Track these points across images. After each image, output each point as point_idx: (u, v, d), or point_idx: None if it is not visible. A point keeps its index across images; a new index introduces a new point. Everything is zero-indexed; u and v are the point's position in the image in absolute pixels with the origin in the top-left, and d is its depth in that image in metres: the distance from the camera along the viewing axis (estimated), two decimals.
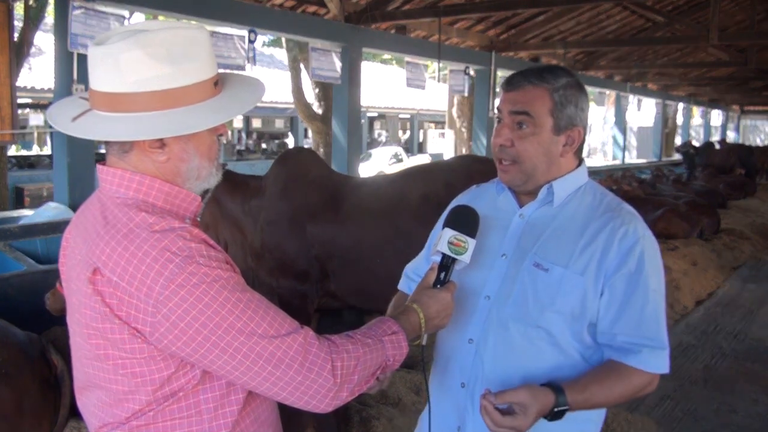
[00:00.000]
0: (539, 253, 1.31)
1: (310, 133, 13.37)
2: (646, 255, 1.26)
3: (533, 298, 1.28)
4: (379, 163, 17.81)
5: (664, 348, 1.27)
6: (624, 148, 17.65)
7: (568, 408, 1.20)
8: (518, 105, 1.32)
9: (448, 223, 1.30)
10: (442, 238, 1.29)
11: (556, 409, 1.19)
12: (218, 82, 1.14)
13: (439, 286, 1.28)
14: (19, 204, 10.40)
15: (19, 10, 6.93)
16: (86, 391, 1.13)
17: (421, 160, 18.48)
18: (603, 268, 1.26)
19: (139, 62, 1.04)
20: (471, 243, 1.28)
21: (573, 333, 1.28)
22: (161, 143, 1.09)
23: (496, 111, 1.38)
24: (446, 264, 1.28)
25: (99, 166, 1.13)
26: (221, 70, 1.19)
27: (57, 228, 4.37)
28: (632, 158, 22.28)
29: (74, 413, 2.62)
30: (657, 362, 1.26)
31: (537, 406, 1.17)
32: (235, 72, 1.32)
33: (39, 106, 16.25)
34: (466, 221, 1.30)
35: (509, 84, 1.35)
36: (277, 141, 21.31)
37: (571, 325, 1.27)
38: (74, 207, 4.99)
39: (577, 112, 1.33)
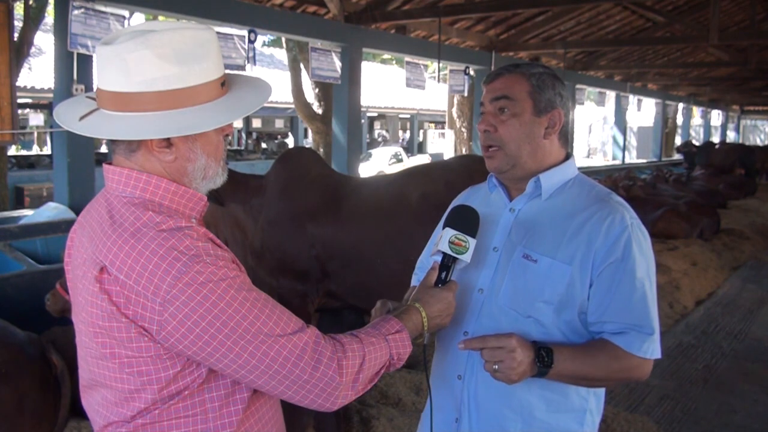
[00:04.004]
0: (528, 245, 1.33)
1: (310, 133, 13.38)
2: (633, 243, 1.27)
3: (523, 288, 1.31)
4: (379, 163, 17.81)
5: (651, 333, 1.27)
6: (624, 148, 17.66)
7: (552, 349, 1.23)
8: (498, 91, 1.37)
9: (449, 223, 1.32)
10: (442, 238, 1.30)
11: (539, 347, 1.22)
12: (225, 83, 1.14)
13: (440, 285, 1.29)
14: (19, 204, 10.41)
15: (19, 10, 6.93)
16: (91, 389, 1.14)
17: (421, 160, 18.48)
18: (590, 257, 1.27)
19: (147, 62, 1.05)
20: (472, 242, 1.29)
21: (565, 323, 1.29)
22: (168, 143, 1.09)
23: (480, 107, 1.42)
24: (447, 263, 1.30)
25: (105, 166, 1.13)
26: (228, 71, 1.19)
27: (57, 228, 4.37)
28: (632, 158, 22.29)
29: (74, 413, 2.62)
30: (644, 346, 1.26)
31: (518, 345, 1.21)
32: (242, 73, 1.33)
33: (39, 106, 16.26)
34: (466, 221, 1.32)
35: (488, 77, 1.42)
36: (277, 141, 21.31)
37: (561, 314, 1.29)
38: (74, 207, 4.99)
39: (555, 96, 1.37)
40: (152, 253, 1.01)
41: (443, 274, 1.29)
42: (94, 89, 1.14)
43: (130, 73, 1.05)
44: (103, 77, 1.08)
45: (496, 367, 1.20)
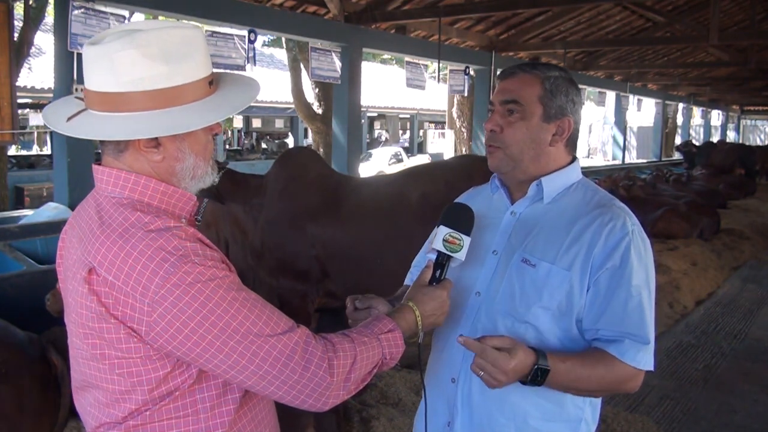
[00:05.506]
0: (528, 249, 1.31)
1: (310, 133, 13.38)
2: (633, 250, 1.25)
3: (520, 293, 1.29)
4: (379, 163, 17.82)
5: (646, 343, 1.25)
6: (624, 148, 17.66)
7: (549, 370, 1.19)
8: (508, 94, 1.34)
9: (443, 221, 1.30)
10: (437, 236, 1.28)
11: (536, 366, 1.18)
12: (213, 82, 1.14)
13: (434, 283, 1.28)
14: (19, 204, 10.40)
15: (19, 10, 6.93)
16: (83, 391, 1.14)
17: (421, 160, 18.48)
18: (589, 263, 1.26)
19: (134, 62, 1.04)
20: (466, 240, 1.28)
21: (561, 329, 1.28)
22: (156, 143, 1.09)
23: (489, 105, 1.40)
24: (441, 262, 1.28)
25: (94, 166, 1.13)
26: (220, 70, 1.19)
27: (57, 228, 4.36)
28: (632, 158, 22.28)
29: (74, 413, 2.62)
30: (639, 356, 1.24)
31: (520, 354, 1.17)
32: (231, 71, 1.32)
33: (39, 106, 16.24)
34: (461, 219, 1.30)
35: (503, 73, 1.38)
36: (277, 141, 21.31)
37: (559, 321, 1.27)
38: (74, 207, 4.96)
39: (567, 103, 1.34)
40: (140, 253, 1.00)
41: (437, 273, 1.28)
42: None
43: (116, 72, 1.05)
44: (90, 77, 1.08)
45: (482, 373, 1.18)
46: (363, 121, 18.81)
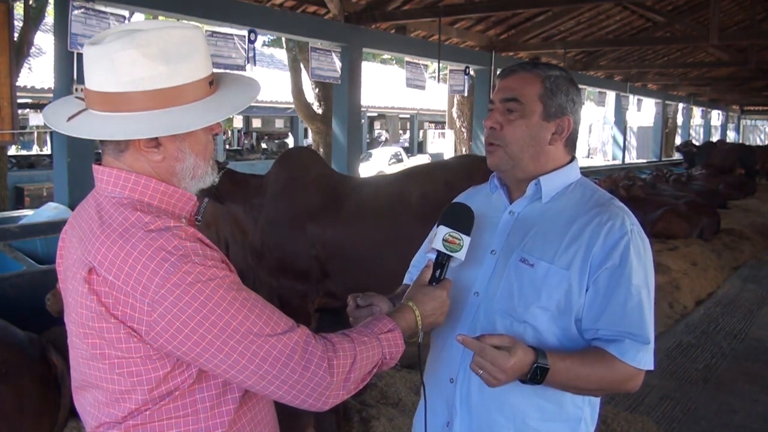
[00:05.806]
0: (526, 249, 1.31)
1: (310, 133, 13.38)
2: (632, 249, 1.25)
3: (518, 293, 1.29)
4: (379, 163, 17.83)
5: (646, 343, 1.24)
6: (624, 148, 17.66)
7: (549, 368, 1.19)
8: (508, 92, 1.34)
9: (443, 221, 1.30)
10: (437, 236, 1.28)
11: (536, 365, 1.18)
12: (213, 82, 1.14)
13: (434, 283, 1.28)
14: (19, 204, 10.41)
15: (19, 10, 6.93)
16: (83, 390, 1.14)
17: (421, 160, 18.49)
18: (588, 263, 1.25)
19: (134, 62, 1.04)
20: (466, 240, 1.28)
21: (559, 329, 1.27)
22: (156, 142, 1.09)
23: (489, 104, 1.40)
24: (441, 261, 1.28)
25: (95, 166, 1.13)
26: (221, 70, 1.19)
27: (57, 228, 4.36)
28: (632, 158, 22.29)
29: (74, 413, 2.62)
30: (639, 356, 1.24)
31: (520, 352, 1.17)
32: (231, 71, 1.32)
33: (39, 106, 16.25)
34: (460, 218, 1.30)
35: (504, 72, 1.38)
36: (277, 141, 21.31)
37: (557, 320, 1.27)
38: (74, 207, 4.94)
39: (567, 102, 1.34)
40: (140, 253, 1.00)
41: (437, 272, 1.28)
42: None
43: (116, 72, 1.05)
44: (91, 77, 1.08)
45: (481, 372, 1.18)
46: (363, 121, 18.80)
